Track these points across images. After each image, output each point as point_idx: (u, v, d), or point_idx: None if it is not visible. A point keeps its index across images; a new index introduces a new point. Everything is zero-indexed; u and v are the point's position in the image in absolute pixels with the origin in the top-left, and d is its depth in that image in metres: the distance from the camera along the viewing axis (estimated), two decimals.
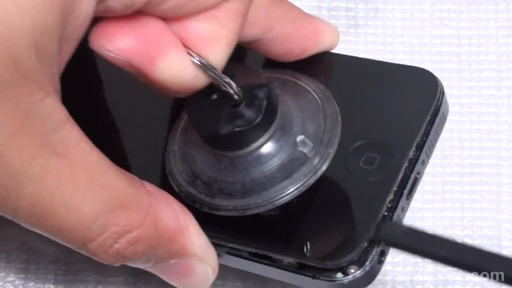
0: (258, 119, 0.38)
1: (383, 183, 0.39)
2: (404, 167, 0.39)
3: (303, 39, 0.41)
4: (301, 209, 0.39)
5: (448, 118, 0.46)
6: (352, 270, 0.37)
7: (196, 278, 0.38)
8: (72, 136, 0.31)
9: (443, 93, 0.41)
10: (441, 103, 0.41)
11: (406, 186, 0.39)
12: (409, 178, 0.39)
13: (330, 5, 0.49)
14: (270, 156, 0.39)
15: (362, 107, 0.42)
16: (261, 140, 0.39)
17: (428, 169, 0.44)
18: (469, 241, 0.44)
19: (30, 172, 0.30)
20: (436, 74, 0.46)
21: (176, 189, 0.40)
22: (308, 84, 0.41)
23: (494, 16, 0.49)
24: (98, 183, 0.32)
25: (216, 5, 0.33)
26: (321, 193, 0.39)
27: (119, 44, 0.32)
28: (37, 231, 0.33)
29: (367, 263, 0.37)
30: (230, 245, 0.39)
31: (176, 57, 0.33)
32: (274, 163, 0.39)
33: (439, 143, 0.45)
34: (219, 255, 0.39)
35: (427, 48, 0.48)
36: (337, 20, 0.49)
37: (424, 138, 0.40)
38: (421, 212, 0.45)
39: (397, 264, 0.44)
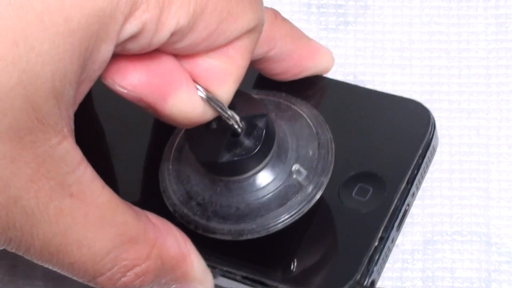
0: (257, 149, 0.38)
1: (375, 215, 0.40)
2: (395, 201, 0.40)
3: (302, 59, 0.42)
4: (295, 237, 0.40)
5: (438, 114, 0.46)
6: None
7: None
8: (86, 177, 0.32)
9: (434, 126, 0.42)
10: (432, 136, 0.42)
11: (397, 219, 0.40)
12: (400, 210, 0.41)
13: (320, 2, 0.49)
14: (265, 182, 0.40)
15: (355, 136, 0.42)
16: (258, 167, 0.40)
17: None
18: (458, 238, 0.44)
19: (45, 213, 0.31)
20: (425, 71, 0.47)
21: (170, 208, 0.41)
22: (302, 109, 0.42)
23: (484, 13, 0.49)
24: (108, 220, 0.33)
25: (228, 43, 0.34)
26: (314, 222, 0.40)
27: (132, 81, 0.33)
28: (48, 266, 0.33)
29: None
30: (224, 268, 0.40)
31: (187, 93, 0.34)
32: (269, 190, 0.40)
33: None
34: (213, 276, 0.40)
35: (417, 45, 0.48)
36: (327, 17, 0.49)
37: (415, 171, 0.41)
38: (411, 209, 0.45)
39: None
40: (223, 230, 0.40)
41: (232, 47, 0.34)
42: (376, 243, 0.40)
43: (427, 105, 0.46)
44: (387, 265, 0.43)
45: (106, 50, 0.31)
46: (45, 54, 0.28)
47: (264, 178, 0.40)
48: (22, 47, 0.28)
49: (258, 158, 0.39)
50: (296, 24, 0.48)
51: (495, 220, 0.44)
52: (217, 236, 0.40)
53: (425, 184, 0.45)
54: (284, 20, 0.40)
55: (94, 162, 0.34)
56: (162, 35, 0.32)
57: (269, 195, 0.40)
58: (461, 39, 0.48)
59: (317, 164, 0.40)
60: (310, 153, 0.41)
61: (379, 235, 0.40)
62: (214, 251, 0.40)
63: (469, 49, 0.48)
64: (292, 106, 0.42)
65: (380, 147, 0.42)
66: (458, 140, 0.46)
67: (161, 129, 0.40)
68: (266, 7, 0.39)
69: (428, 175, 0.45)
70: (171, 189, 0.41)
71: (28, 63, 0.28)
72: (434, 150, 0.42)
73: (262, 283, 0.40)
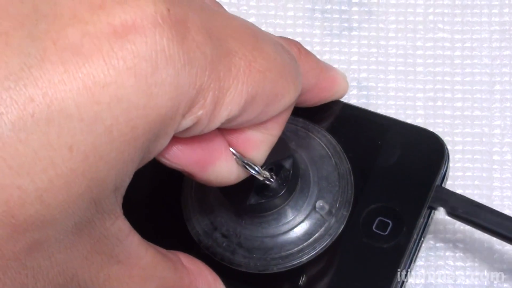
0: (283, 190, 0.39)
1: (395, 250, 0.40)
2: (414, 236, 0.40)
3: (321, 91, 0.42)
4: (319, 270, 0.41)
5: (441, 121, 0.46)
6: None
7: None
8: (133, 244, 0.33)
9: (448, 158, 0.42)
10: (446, 168, 0.42)
11: (416, 252, 0.41)
12: (418, 243, 0.41)
13: (324, 7, 0.49)
14: (289, 217, 0.41)
15: (371, 166, 0.42)
16: (283, 204, 0.40)
17: None
18: (460, 245, 0.44)
19: (96, 282, 0.32)
20: (428, 78, 0.47)
21: (194, 238, 0.41)
22: (320, 138, 0.42)
23: (488, 20, 0.49)
24: (150, 277, 0.34)
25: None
26: (337, 255, 0.41)
27: (177, 154, 0.34)
28: None
29: None
30: None
31: (225, 162, 0.35)
32: (293, 224, 0.41)
33: None
34: None
35: (420, 52, 0.48)
36: (331, 23, 0.49)
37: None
38: None
39: None
40: (249, 263, 0.40)
41: (271, 120, 0.35)
42: (398, 278, 0.40)
43: (430, 112, 0.46)
44: None
45: (164, 143, 0.31)
46: (111, 161, 0.29)
47: (289, 212, 0.41)
48: (92, 159, 0.28)
49: (284, 197, 0.40)
50: (299, 29, 0.48)
51: None
52: (243, 269, 0.40)
53: None
54: (307, 53, 0.40)
55: None
56: (213, 126, 0.32)
57: (294, 230, 0.41)
58: (465, 46, 0.48)
59: (338, 197, 0.41)
60: (331, 185, 0.41)
61: (405, 269, 0.40)
62: (239, 282, 0.41)
63: (473, 56, 0.48)
64: (310, 133, 0.42)
65: (396, 178, 0.42)
66: (461, 147, 0.46)
67: None
68: (289, 39, 0.39)
69: None
70: (195, 218, 0.42)
71: (96, 172, 0.29)
72: (447, 180, 0.42)
73: None
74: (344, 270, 0.40)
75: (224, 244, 0.41)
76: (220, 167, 0.35)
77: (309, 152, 0.42)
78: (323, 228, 0.40)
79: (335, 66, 0.47)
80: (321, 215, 0.41)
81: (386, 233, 0.40)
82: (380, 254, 0.40)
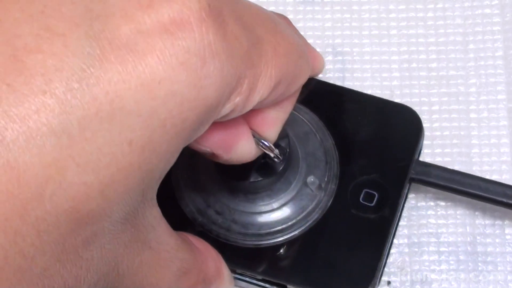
0: (281, 167, 0.41)
1: (384, 220, 0.42)
2: (400, 205, 0.42)
3: None
4: (312, 243, 0.42)
5: (417, 82, 0.47)
6: None
7: None
8: (162, 230, 0.34)
9: (423, 131, 0.44)
10: (423, 141, 0.44)
11: (400, 219, 0.43)
12: (402, 211, 0.43)
13: None
14: (282, 193, 0.42)
15: (352, 140, 0.44)
16: (277, 180, 0.42)
17: None
18: (441, 203, 0.44)
19: (131, 269, 0.33)
20: (402, 40, 0.47)
21: (188, 216, 0.42)
22: (303, 116, 0.44)
23: None
24: (173, 260, 0.35)
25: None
26: (328, 228, 0.42)
27: (207, 137, 0.35)
28: None
29: None
30: (245, 273, 0.42)
31: (246, 142, 0.36)
32: (286, 200, 0.42)
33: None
34: (235, 279, 0.42)
35: (393, 15, 0.48)
36: None
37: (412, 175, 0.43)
38: None
39: None
40: (244, 238, 0.42)
41: (286, 99, 0.37)
42: (388, 247, 0.42)
43: (405, 73, 0.47)
44: None
45: (203, 131, 0.32)
46: (162, 153, 0.30)
47: (281, 189, 0.42)
48: (147, 152, 0.30)
49: (281, 175, 0.41)
50: None
51: None
52: (239, 244, 0.42)
53: None
54: (297, 30, 0.41)
55: None
56: (246, 110, 0.34)
57: (286, 205, 0.42)
58: (437, 7, 0.48)
59: (326, 172, 0.42)
60: (318, 161, 0.43)
61: (390, 240, 0.42)
62: (236, 257, 0.42)
63: (445, 17, 0.48)
64: (294, 112, 0.42)
65: (378, 152, 0.43)
66: (438, 107, 0.46)
67: None
68: (279, 14, 0.39)
69: None
70: (188, 197, 0.43)
71: (149, 164, 0.30)
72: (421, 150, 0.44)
73: (281, 286, 0.42)
74: (336, 241, 0.42)
75: (219, 221, 0.42)
76: (242, 147, 0.36)
77: (294, 129, 0.43)
78: (314, 202, 0.42)
79: (310, 33, 0.48)
80: (311, 190, 0.42)
81: (373, 204, 0.42)
82: (369, 224, 0.42)
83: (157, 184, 0.32)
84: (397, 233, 0.44)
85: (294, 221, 0.42)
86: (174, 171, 0.43)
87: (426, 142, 0.45)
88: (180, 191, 0.43)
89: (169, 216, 0.38)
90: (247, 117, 0.36)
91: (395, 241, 0.44)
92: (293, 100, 0.38)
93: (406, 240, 0.44)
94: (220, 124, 0.35)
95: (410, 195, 0.44)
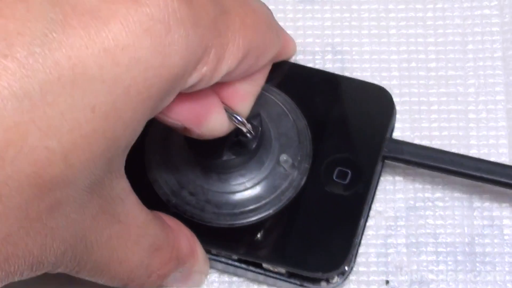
0: (254, 145, 0.41)
1: (357, 197, 0.42)
2: (373, 182, 0.43)
3: (282, 50, 0.42)
4: (286, 222, 0.42)
5: (416, 81, 0.47)
6: (336, 279, 0.42)
7: (193, 284, 0.42)
8: (131, 204, 0.35)
9: (395, 109, 0.44)
10: (395, 119, 0.44)
11: (374, 196, 0.44)
12: (375, 189, 0.44)
13: None
14: (255, 172, 0.42)
15: (325, 120, 0.44)
16: (250, 159, 0.42)
17: (397, 133, 0.45)
18: (440, 203, 0.44)
19: (100, 242, 0.34)
20: (402, 40, 0.47)
21: (162, 198, 0.42)
22: (275, 96, 0.44)
23: None
24: (144, 235, 0.36)
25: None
26: (302, 207, 0.42)
27: (176, 110, 0.35)
28: (90, 280, 0.36)
29: (347, 270, 0.42)
30: (221, 253, 0.42)
31: (218, 115, 0.37)
32: (259, 179, 0.42)
33: (407, 107, 0.46)
34: (211, 260, 0.42)
35: (393, 14, 0.48)
36: None
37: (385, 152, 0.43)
38: (392, 176, 0.45)
39: (370, 228, 0.44)
40: (219, 218, 0.42)
41: (258, 72, 0.37)
42: (362, 224, 0.42)
43: (405, 73, 0.47)
44: (371, 232, 0.44)
45: (169, 101, 0.33)
46: (127, 120, 0.30)
47: (254, 168, 0.42)
48: (111, 119, 0.30)
49: (254, 154, 0.42)
50: None
51: (475, 186, 0.45)
52: (213, 225, 0.42)
53: None
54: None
55: None
56: (213, 81, 0.34)
57: (260, 184, 0.42)
58: (437, 7, 0.48)
59: (299, 151, 0.43)
60: (290, 140, 0.43)
61: (365, 216, 0.42)
62: (211, 238, 0.42)
63: (444, 17, 0.48)
64: (265, 92, 0.43)
65: (350, 131, 0.44)
66: (437, 107, 0.46)
67: None
68: None
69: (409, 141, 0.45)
70: (161, 179, 0.43)
71: (114, 131, 0.30)
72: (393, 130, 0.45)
73: (259, 265, 0.42)
74: (310, 219, 0.42)
75: (193, 202, 0.42)
76: (214, 120, 0.37)
77: (267, 110, 0.43)
78: (287, 181, 0.42)
79: (309, 32, 0.48)
80: (284, 169, 0.42)
81: (347, 181, 0.42)
82: (343, 201, 0.42)
83: (124, 155, 0.32)
84: (395, 233, 0.44)
85: (267, 200, 0.42)
86: (147, 154, 0.43)
87: (424, 141, 0.45)
88: (153, 173, 0.43)
89: (143, 198, 0.38)
90: (218, 90, 0.36)
91: (393, 240, 0.44)
92: (265, 73, 0.38)
93: (404, 240, 0.44)
94: (190, 96, 0.35)
95: (408, 195, 0.44)
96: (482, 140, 0.46)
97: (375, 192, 0.44)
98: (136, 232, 0.35)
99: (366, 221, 0.43)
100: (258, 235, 0.42)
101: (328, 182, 0.42)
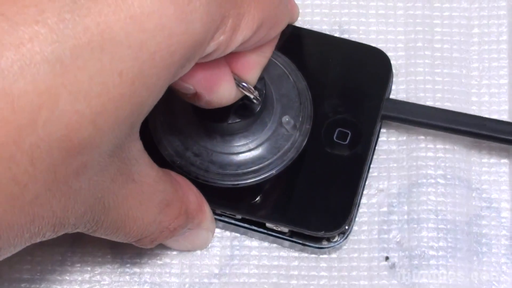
0: (258, 108, 0.42)
1: (357, 157, 0.43)
2: (373, 143, 0.44)
3: None
4: (289, 182, 0.43)
5: (422, 61, 0.47)
6: (336, 238, 0.43)
7: (201, 241, 0.43)
8: (144, 163, 0.35)
9: (392, 70, 0.45)
10: (392, 79, 0.45)
11: (373, 157, 0.44)
12: (375, 148, 0.44)
13: None
14: (258, 134, 0.43)
15: (325, 82, 0.45)
16: (253, 122, 0.43)
17: None
18: (441, 181, 0.45)
19: (116, 202, 0.34)
20: (409, 20, 0.47)
21: (167, 159, 0.43)
22: (276, 58, 0.44)
23: None
24: (155, 192, 0.37)
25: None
26: (304, 167, 0.43)
27: (191, 75, 0.35)
28: (105, 238, 0.36)
29: (348, 229, 0.43)
30: (225, 212, 0.43)
31: (228, 84, 0.37)
32: (262, 140, 0.43)
33: (412, 86, 0.46)
34: (215, 220, 0.43)
35: None
36: None
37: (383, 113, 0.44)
38: (396, 154, 0.46)
39: (372, 206, 0.45)
40: (223, 179, 0.43)
41: (267, 43, 0.38)
42: (363, 184, 0.43)
43: (411, 52, 0.47)
44: (373, 209, 0.44)
45: (188, 68, 0.33)
46: (151, 86, 0.31)
47: (257, 129, 0.43)
48: (137, 84, 0.31)
49: (257, 116, 0.42)
50: None
51: (476, 166, 0.45)
52: (217, 184, 0.43)
53: (411, 128, 0.46)
54: None
55: None
56: (229, 50, 0.35)
57: (262, 145, 0.43)
58: None
59: (300, 112, 0.43)
60: (291, 101, 0.44)
61: (365, 176, 0.43)
62: (216, 197, 0.43)
63: (451, 0, 0.49)
64: None
65: (350, 92, 0.44)
66: (441, 86, 0.47)
67: None
68: None
69: None
70: (166, 140, 0.43)
71: (140, 97, 0.31)
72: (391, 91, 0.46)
73: (262, 225, 0.43)
74: (312, 179, 0.43)
75: (197, 163, 0.43)
76: (224, 88, 0.37)
77: (269, 72, 0.44)
78: (289, 142, 0.43)
79: (317, 10, 0.49)
80: (286, 130, 0.43)
81: (347, 142, 0.43)
82: (344, 161, 0.43)
83: (143, 118, 0.33)
84: (396, 209, 0.44)
85: (270, 160, 0.43)
86: (151, 115, 0.42)
87: None
88: (158, 135, 0.43)
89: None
90: (229, 60, 0.37)
91: (395, 217, 0.44)
92: (273, 45, 0.38)
93: (406, 217, 0.44)
94: (203, 64, 0.35)
95: (411, 172, 0.45)
96: None
97: (373, 152, 0.45)
98: (147, 190, 0.36)
99: (365, 181, 0.44)
100: (261, 195, 0.43)
101: (328, 143, 0.43)
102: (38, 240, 0.32)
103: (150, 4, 0.30)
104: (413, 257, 0.43)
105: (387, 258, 0.44)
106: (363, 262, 0.44)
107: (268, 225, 0.43)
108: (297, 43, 0.46)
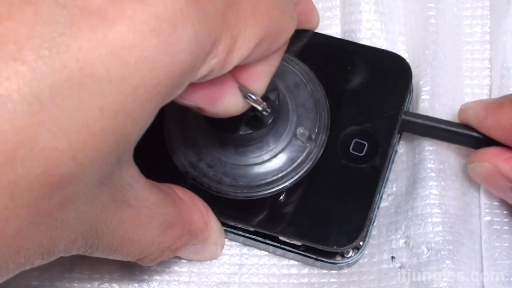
0: (270, 120, 0.40)
1: (373, 169, 0.42)
2: (390, 155, 0.43)
3: (302, 21, 0.43)
4: (303, 194, 0.42)
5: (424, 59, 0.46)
6: (351, 254, 0.42)
7: (209, 255, 0.43)
8: (140, 188, 0.35)
9: (412, 79, 0.44)
10: (412, 89, 0.44)
11: (389, 168, 0.43)
12: (391, 161, 0.43)
13: None
14: (272, 145, 0.42)
15: (343, 90, 0.44)
16: (267, 133, 0.42)
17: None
18: (442, 174, 0.44)
19: (110, 227, 0.34)
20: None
21: (181, 169, 0.42)
22: (294, 66, 0.44)
23: None
24: (155, 215, 0.36)
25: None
26: (319, 179, 0.42)
27: (190, 92, 0.35)
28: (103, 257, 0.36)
29: (362, 245, 0.42)
30: (238, 225, 0.42)
31: (232, 96, 0.37)
32: (276, 152, 0.42)
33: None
34: (227, 231, 0.42)
35: None
36: None
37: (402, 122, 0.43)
38: (405, 157, 0.45)
39: (381, 210, 0.44)
40: (236, 191, 0.42)
41: (273, 53, 0.37)
42: (379, 197, 0.42)
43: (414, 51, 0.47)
44: (382, 213, 0.45)
45: (178, 93, 0.33)
46: (137, 118, 0.31)
47: (271, 141, 0.42)
48: (120, 118, 0.30)
49: (271, 127, 0.41)
50: None
51: None
52: (230, 197, 0.42)
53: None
54: None
55: None
56: (226, 70, 0.34)
57: (276, 157, 0.42)
58: None
59: (316, 123, 0.42)
60: (308, 112, 0.43)
61: (380, 189, 0.42)
62: (227, 209, 0.42)
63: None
64: (283, 62, 0.43)
65: (368, 101, 0.43)
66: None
67: None
68: None
69: None
70: (180, 151, 0.43)
71: (124, 129, 0.30)
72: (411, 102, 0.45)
73: (273, 238, 0.42)
74: (326, 191, 0.42)
75: (210, 174, 0.42)
76: (228, 100, 0.36)
77: (285, 81, 0.43)
78: (304, 154, 0.42)
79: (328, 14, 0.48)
80: (301, 141, 0.42)
81: (363, 154, 0.42)
82: (359, 174, 0.42)
83: (133, 147, 0.33)
84: (402, 209, 0.44)
85: (284, 172, 0.42)
86: (166, 125, 0.43)
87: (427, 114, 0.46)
88: (172, 145, 0.43)
89: (162, 171, 0.39)
90: (233, 71, 0.36)
91: (400, 217, 0.44)
92: (280, 53, 0.38)
93: (409, 213, 0.44)
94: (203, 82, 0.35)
95: (415, 170, 0.45)
96: None
97: (391, 165, 0.44)
98: (146, 213, 0.36)
99: (382, 195, 0.43)
100: (274, 208, 0.42)
101: (344, 155, 0.42)
102: (28, 268, 0.32)
103: (132, 37, 0.29)
104: (421, 254, 0.43)
105: (392, 258, 0.44)
106: (374, 266, 0.43)
107: (281, 238, 0.42)
108: (316, 50, 0.44)
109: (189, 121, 0.42)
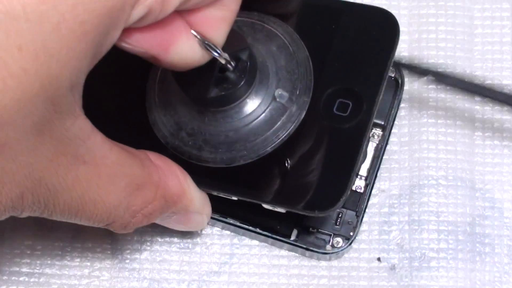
0: (243, 81, 0.39)
1: (357, 129, 0.40)
2: (374, 113, 0.40)
3: None
4: (285, 158, 0.41)
5: (426, 60, 0.46)
6: (341, 244, 0.42)
7: (194, 224, 0.42)
8: (96, 144, 0.34)
9: (399, 34, 0.42)
10: (397, 44, 0.42)
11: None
12: (392, 126, 0.43)
13: None
14: (251, 109, 0.41)
15: (327, 50, 0.42)
16: (243, 96, 0.40)
17: (404, 112, 0.45)
18: (443, 182, 0.45)
19: (64, 184, 0.33)
20: (413, 20, 0.47)
21: (162, 140, 0.42)
22: (276, 28, 0.42)
23: None
24: (118, 175, 0.35)
25: None
26: (301, 141, 0.41)
27: (138, 38, 0.34)
28: (69, 221, 0.36)
29: (352, 235, 0.42)
30: (220, 194, 0.41)
31: (186, 42, 0.35)
32: (256, 115, 0.41)
33: (416, 86, 0.46)
34: (217, 220, 0.43)
35: None
36: None
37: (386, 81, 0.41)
38: (398, 155, 0.45)
39: (373, 206, 0.44)
40: (216, 158, 0.41)
41: None
42: (361, 157, 0.41)
43: (415, 52, 0.47)
44: (374, 210, 0.44)
45: (115, 36, 0.32)
46: (63, 58, 0.30)
47: (250, 104, 0.41)
48: (42, 58, 0.29)
49: (244, 89, 0.40)
50: None
51: (479, 166, 0.45)
52: (210, 165, 0.41)
53: (413, 128, 0.45)
54: None
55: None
56: (167, 11, 0.33)
57: (256, 121, 0.41)
58: None
59: (298, 84, 0.41)
60: (290, 73, 0.41)
61: (363, 149, 0.40)
62: (209, 178, 0.41)
63: None
64: (266, 25, 0.42)
65: (353, 59, 0.42)
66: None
67: (141, 62, 0.38)
68: None
69: (415, 121, 0.46)
70: (160, 121, 0.42)
71: (49, 70, 0.30)
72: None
73: (258, 205, 0.41)
74: (309, 154, 0.40)
75: (190, 143, 0.41)
76: (182, 47, 0.35)
77: (267, 44, 0.42)
78: (285, 116, 0.40)
79: None
80: (282, 104, 0.41)
81: (347, 113, 0.41)
82: (343, 135, 0.40)
83: (72, 94, 0.32)
84: (397, 210, 0.44)
85: (264, 136, 0.40)
86: (147, 97, 0.42)
87: (430, 120, 0.45)
88: (153, 117, 0.42)
89: (142, 142, 0.38)
90: (187, 17, 0.35)
91: (395, 218, 0.44)
92: None
93: (407, 218, 0.44)
94: (151, 25, 0.34)
95: (413, 173, 0.45)
96: (487, 123, 0.46)
97: (391, 127, 0.43)
98: (107, 172, 0.35)
99: (365, 155, 0.42)
100: (256, 174, 0.41)
101: (328, 115, 0.41)
102: None
103: None
104: (413, 259, 0.43)
105: (378, 259, 0.44)
106: (363, 263, 0.44)
107: (264, 206, 0.41)
108: (298, 10, 0.43)
109: (168, 91, 0.42)
